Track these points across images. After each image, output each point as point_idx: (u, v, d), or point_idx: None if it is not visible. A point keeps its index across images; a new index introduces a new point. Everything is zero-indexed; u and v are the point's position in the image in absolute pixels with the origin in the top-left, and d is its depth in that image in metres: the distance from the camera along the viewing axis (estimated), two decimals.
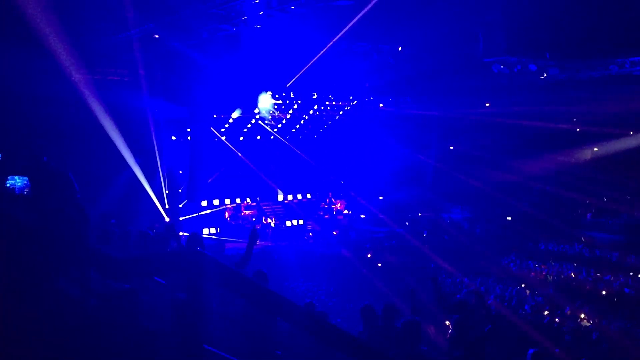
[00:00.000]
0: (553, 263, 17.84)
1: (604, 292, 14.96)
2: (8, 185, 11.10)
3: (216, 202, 21.35)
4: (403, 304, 7.85)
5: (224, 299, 5.23)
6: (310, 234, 21.56)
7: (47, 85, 13.09)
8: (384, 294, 13.63)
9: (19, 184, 11.26)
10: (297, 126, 23.20)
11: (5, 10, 11.19)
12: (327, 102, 21.70)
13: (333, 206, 23.91)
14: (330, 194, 24.39)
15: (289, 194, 23.80)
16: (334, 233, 21.86)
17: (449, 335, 5.89)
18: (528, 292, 14.50)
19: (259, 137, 22.98)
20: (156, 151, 18.15)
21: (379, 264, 16.63)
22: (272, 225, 21.64)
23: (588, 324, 12.27)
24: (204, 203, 20.44)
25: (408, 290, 6.97)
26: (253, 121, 21.38)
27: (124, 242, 6.28)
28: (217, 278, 2.95)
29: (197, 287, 2.76)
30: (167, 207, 18.19)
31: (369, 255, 18.73)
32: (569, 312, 12.85)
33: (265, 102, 19.82)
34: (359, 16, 13.69)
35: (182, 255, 2.90)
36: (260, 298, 3.39)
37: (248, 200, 21.98)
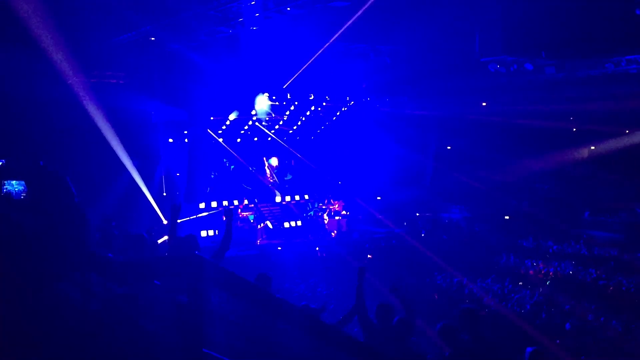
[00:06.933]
0: (552, 261, 17.86)
1: (603, 291, 14.98)
2: (6, 189, 11.06)
3: (214, 204, 21.30)
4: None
5: (223, 301, 5.23)
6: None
7: (44, 88, 13.08)
8: (384, 293, 13.62)
9: (17, 188, 11.22)
10: (295, 127, 23.18)
11: (0, 11, 11.16)
12: (324, 103, 21.68)
13: (331, 207, 23.88)
14: (329, 195, 24.36)
15: (287, 195, 23.77)
16: (333, 234, 21.82)
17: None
18: (527, 291, 14.52)
19: (256, 139, 22.97)
20: (154, 154, 18.15)
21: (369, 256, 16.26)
22: (270, 226, 21.58)
23: (588, 323, 12.29)
24: (202, 205, 20.41)
25: (403, 288, 6.65)
26: (250, 123, 21.35)
27: (124, 245, 6.27)
28: (216, 281, 2.96)
29: (197, 290, 2.77)
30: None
31: (369, 256, 18.68)
32: (568, 311, 12.86)
33: (262, 104, 19.79)
34: (355, 17, 13.71)
35: (182, 259, 2.91)
36: (259, 300, 3.40)
37: (246, 201, 21.93)
